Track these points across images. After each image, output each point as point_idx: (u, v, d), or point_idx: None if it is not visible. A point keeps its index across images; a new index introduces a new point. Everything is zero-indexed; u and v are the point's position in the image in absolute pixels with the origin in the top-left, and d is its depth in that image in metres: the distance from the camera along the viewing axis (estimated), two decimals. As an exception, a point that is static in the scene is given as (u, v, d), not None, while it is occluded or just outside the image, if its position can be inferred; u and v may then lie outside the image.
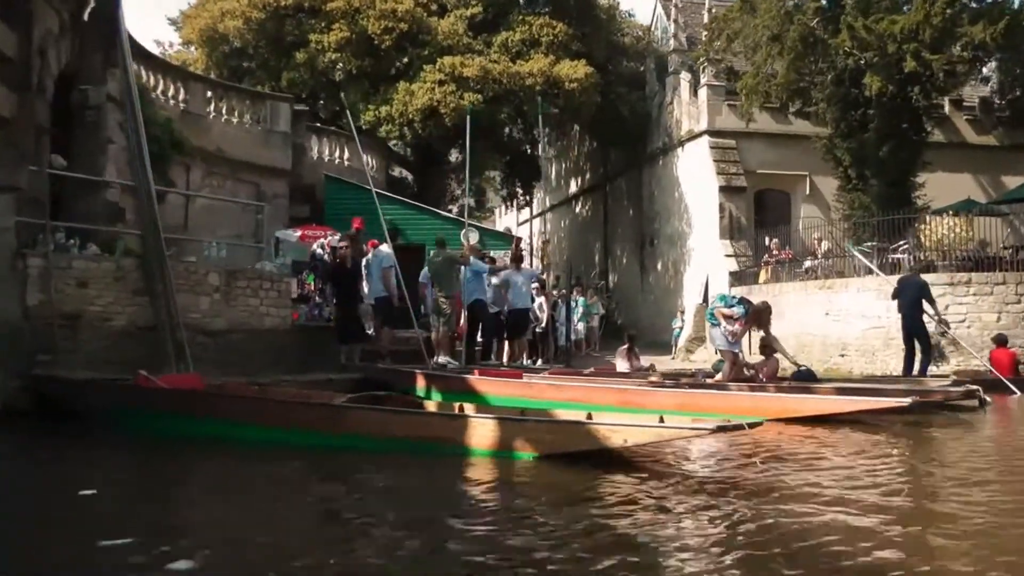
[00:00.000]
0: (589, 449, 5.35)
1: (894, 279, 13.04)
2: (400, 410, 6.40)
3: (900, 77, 16.88)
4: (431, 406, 7.30)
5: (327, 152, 20.00)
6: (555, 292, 17.56)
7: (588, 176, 31.90)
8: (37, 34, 8.61)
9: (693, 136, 23.22)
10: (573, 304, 17.59)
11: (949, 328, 13.02)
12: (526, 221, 36.31)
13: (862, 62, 17.25)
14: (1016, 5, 17.67)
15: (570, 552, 3.54)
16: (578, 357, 17.23)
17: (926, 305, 12.15)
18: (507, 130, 24.87)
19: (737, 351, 10.24)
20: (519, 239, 18.77)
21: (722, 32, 19.97)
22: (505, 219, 39.66)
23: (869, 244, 16.13)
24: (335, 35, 21.04)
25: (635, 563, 3.39)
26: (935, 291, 13.57)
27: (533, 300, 14.71)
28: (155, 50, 22.89)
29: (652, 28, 28.00)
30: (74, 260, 8.77)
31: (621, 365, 13.30)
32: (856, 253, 15.53)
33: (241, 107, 17.42)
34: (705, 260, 22.35)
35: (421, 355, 11.19)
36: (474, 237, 15.02)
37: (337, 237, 14.06)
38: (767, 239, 19.30)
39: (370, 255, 12.10)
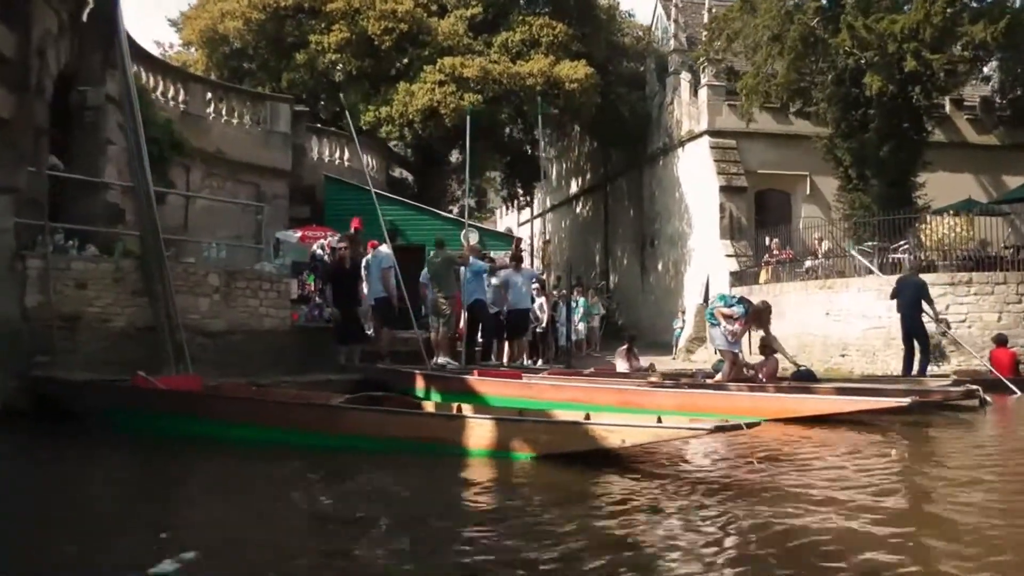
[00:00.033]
0: (587, 449, 5.34)
1: (893, 279, 13.02)
2: (397, 411, 6.39)
3: (901, 77, 16.87)
4: (429, 407, 7.29)
5: (327, 153, 20.00)
6: (555, 292, 17.55)
7: (588, 176, 31.90)
8: (36, 34, 8.61)
9: (693, 136, 23.22)
10: (573, 304, 17.59)
11: (950, 328, 13.01)
12: (527, 221, 36.32)
13: (862, 62, 17.24)
14: (1017, 4, 17.64)
15: (564, 552, 3.53)
16: (578, 357, 17.22)
17: (925, 305, 12.13)
18: (507, 131, 24.89)
19: (737, 351, 10.23)
20: (519, 239, 18.75)
21: (722, 32, 19.96)
22: (506, 219, 39.67)
23: (870, 244, 16.11)
24: (335, 36, 21.05)
25: (628, 564, 3.38)
26: (936, 291, 13.56)
27: (533, 300, 14.70)
28: (155, 51, 22.96)
29: (652, 28, 28.00)
30: (73, 261, 8.76)
31: (621, 365, 13.29)
32: (855, 253, 15.52)
33: (241, 108, 17.43)
34: (706, 260, 22.34)
35: (421, 356, 11.18)
36: (474, 238, 15.02)
37: (336, 238, 14.06)
38: (768, 239, 19.30)
39: (369, 256, 12.09)
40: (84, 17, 9.83)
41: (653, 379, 10.32)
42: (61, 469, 5.82)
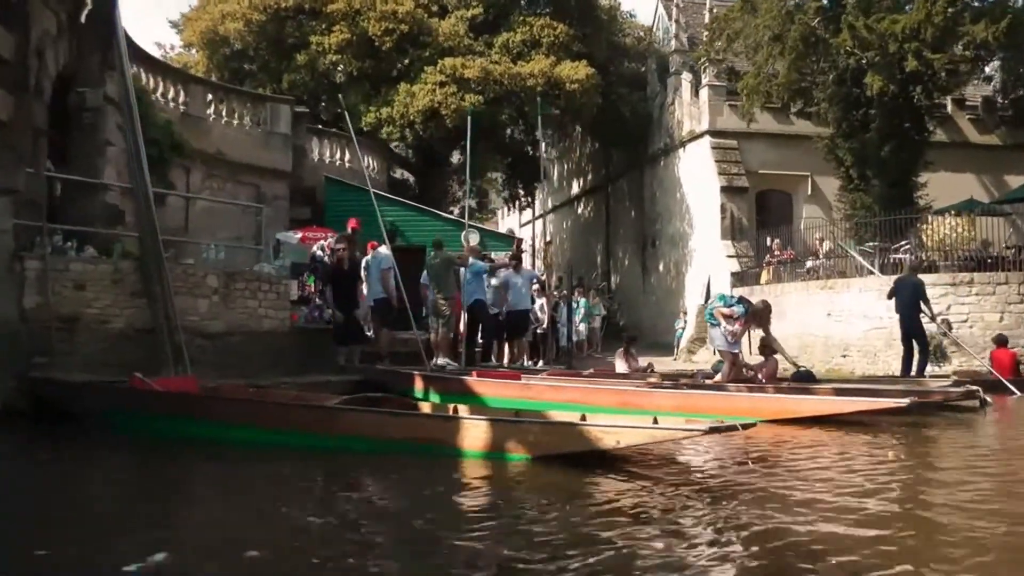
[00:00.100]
0: (582, 450, 5.33)
1: (892, 279, 12.99)
2: (394, 412, 6.38)
3: (902, 77, 16.86)
4: (426, 407, 7.28)
5: (328, 154, 20.00)
6: (555, 293, 17.54)
7: (590, 177, 31.90)
8: (34, 36, 8.62)
9: (694, 137, 23.22)
10: (574, 305, 17.57)
11: (951, 329, 12.99)
12: (528, 222, 36.31)
13: (863, 62, 17.23)
14: (1019, 4, 17.62)
15: (551, 554, 3.53)
16: (579, 358, 17.22)
17: (923, 305, 12.10)
18: (508, 131, 24.90)
19: (736, 351, 10.19)
20: (520, 240, 18.75)
21: (723, 32, 19.97)
22: (507, 220, 39.67)
23: (871, 244, 16.10)
24: (336, 37, 21.07)
25: (615, 565, 3.39)
26: (937, 291, 13.55)
27: (534, 301, 14.69)
28: (156, 53, 23.02)
29: (653, 28, 27.99)
30: (71, 262, 8.74)
31: (620, 366, 13.27)
32: (853, 252, 15.48)
33: (241, 109, 17.44)
34: (707, 261, 22.33)
35: (420, 357, 11.17)
36: (475, 238, 15.00)
37: (335, 239, 14.04)
38: (769, 239, 19.29)
39: (369, 257, 12.09)
40: (82, 18, 9.84)
41: (652, 380, 10.30)
42: (60, 469, 5.82)
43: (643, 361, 13.95)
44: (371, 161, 20.28)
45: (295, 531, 4.12)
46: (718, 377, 10.03)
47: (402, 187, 25.17)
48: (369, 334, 12.29)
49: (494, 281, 13.08)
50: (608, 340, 21.16)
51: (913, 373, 11.55)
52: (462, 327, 12.69)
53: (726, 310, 9.94)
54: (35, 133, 8.80)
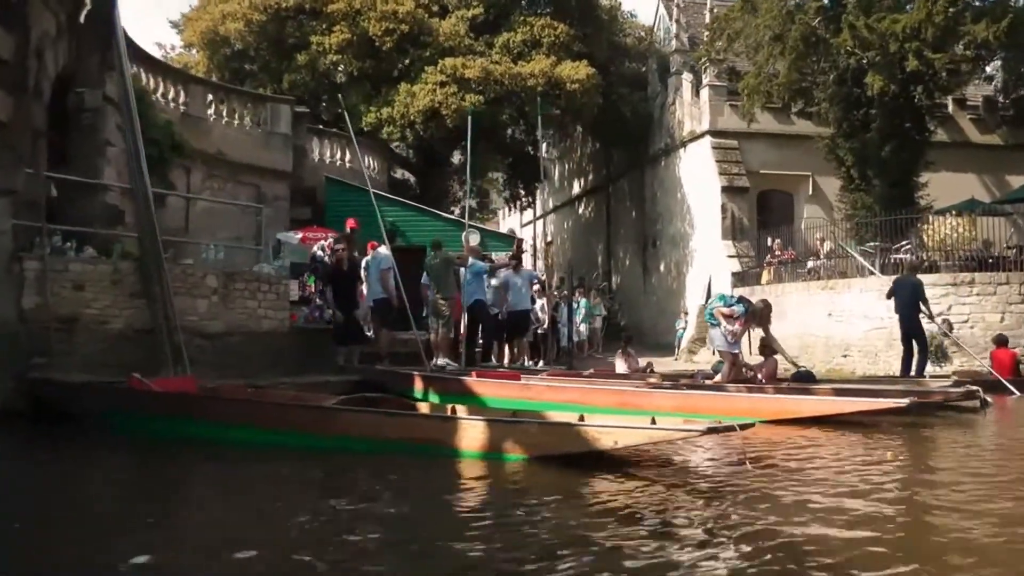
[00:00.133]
0: (580, 451, 5.32)
1: (892, 279, 12.98)
2: (391, 412, 6.37)
3: (902, 76, 16.84)
4: (423, 408, 7.28)
5: (328, 154, 20.00)
6: (556, 293, 17.54)
7: (591, 177, 31.89)
8: (34, 36, 8.62)
9: (695, 137, 23.21)
10: (575, 306, 17.56)
11: (952, 330, 12.97)
12: (529, 222, 36.33)
13: (864, 61, 17.21)
14: (1020, 3, 17.58)
15: (542, 555, 3.54)
16: (580, 359, 17.21)
17: (922, 305, 12.09)
18: (509, 131, 24.88)
19: (736, 352, 10.17)
20: (520, 240, 18.74)
21: (724, 32, 19.95)
22: (509, 220, 39.67)
23: (872, 244, 16.08)
24: (336, 37, 21.08)
25: (606, 566, 3.39)
26: (938, 291, 13.54)
27: (534, 302, 14.68)
28: (157, 53, 23.01)
29: (654, 28, 27.97)
30: (71, 263, 8.75)
31: (620, 366, 13.27)
32: (854, 252, 15.46)
33: (242, 109, 17.45)
34: (708, 261, 22.32)
35: (420, 357, 11.17)
36: (475, 239, 14.99)
37: (334, 239, 14.04)
38: (769, 240, 19.27)
39: (369, 257, 12.09)
40: (82, 19, 9.84)
41: (652, 380, 10.29)
42: (60, 469, 5.83)
43: (642, 361, 13.96)
44: (371, 161, 20.29)
45: (294, 531, 4.13)
46: (718, 378, 10.02)
47: (403, 187, 25.17)
48: (369, 334, 12.30)
49: (494, 281, 13.08)
50: (609, 340, 21.16)
51: (913, 373, 11.53)
52: (463, 328, 12.68)
53: (726, 310, 9.92)
54: (34, 134, 8.80)
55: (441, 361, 11.48)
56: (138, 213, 9.61)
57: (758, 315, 10.16)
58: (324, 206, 18.15)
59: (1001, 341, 12.43)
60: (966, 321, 13.79)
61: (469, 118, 14.61)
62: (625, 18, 29.70)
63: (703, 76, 22.69)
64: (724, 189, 21.73)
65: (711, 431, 5.09)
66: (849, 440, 7.02)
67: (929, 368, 12.17)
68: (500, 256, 15.27)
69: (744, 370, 10.32)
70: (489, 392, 8.93)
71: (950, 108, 22.36)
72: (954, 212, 16.76)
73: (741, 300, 10.31)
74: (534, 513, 4.38)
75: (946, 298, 13.80)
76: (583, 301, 20.15)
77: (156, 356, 8.78)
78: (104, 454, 6.58)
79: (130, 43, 11.95)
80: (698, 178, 23.00)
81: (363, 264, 12.12)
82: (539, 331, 15.46)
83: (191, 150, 14.86)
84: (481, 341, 12.89)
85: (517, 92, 21.59)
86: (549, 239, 30.06)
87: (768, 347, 10.44)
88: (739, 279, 19.80)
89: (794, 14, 17.89)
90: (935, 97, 18.63)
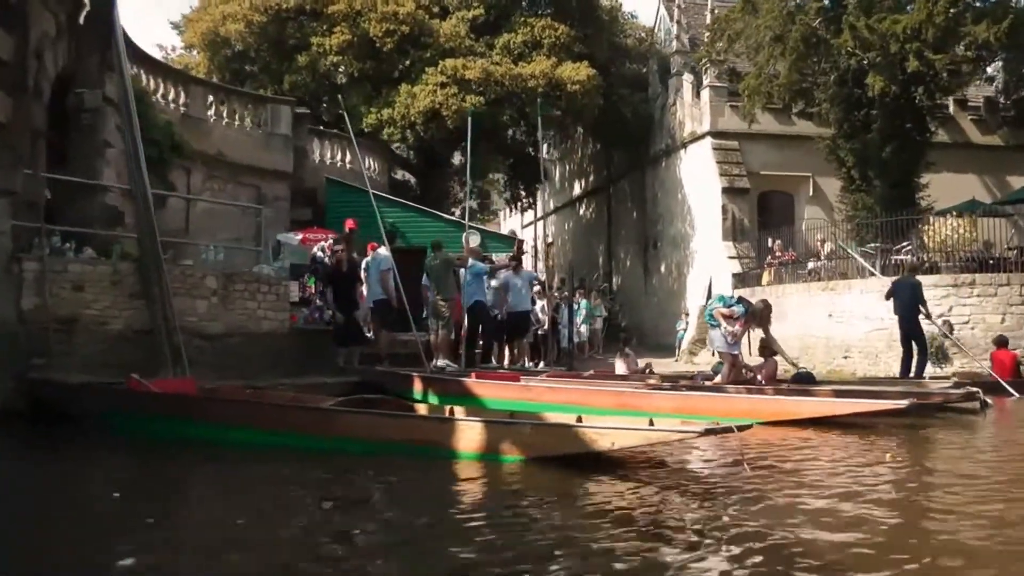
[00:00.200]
0: (577, 452, 5.31)
1: (892, 280, 12.97)
2: (389, 413, 6.37)
3: (903, 77, 16.81)
4: (421, 409, 7.27)
5: (329, 155, 20.01)
6: (556, 294, 17.54)
7: (592, 178, 31.89)
8: (33, 37, 8.64)
9: (696, 138, 23.19)
10: (576, 307, 17.55)
11: (952, 330, 12.95)
12: (530, 223, 36.34)
13: (865, 62, 17.19)
14: (1021, 4, 17.55)
15: (534, 556, 3.56)
16: (581, 360, 17.20)
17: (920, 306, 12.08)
18: (510, 132, 24.86)
19: (736, 353, 10.15)
20: (521, 241, 18.73)
21: (724, 33, 19.94)
22: (510, 221, 39.68)
23: (872, 245, 16.05)
24: (337, 38, 21.08)
25: (598, 567, 3.40)
26: (939, 292, 13.52)
27: (534, 303, 14.67)
28: (157, 54, 23.05)
29: (655, 29, 27.96)
30: (70, 264, 8.76)
31: (620, 367, 13.26)
32: (855, 254, 15.44)
33: (242, 110, 17.46)
34: (708, 262, 22.30)
35: (420, 358, 11.16)
36: (476, 240, 14.98)
37: (333, 240, 14.04)
38: (770, 241, 19.25)
39: (368, 258, 12.08)
40: (81, 20, 9.85)
41: (651, 382, 10.27)
42: (60, 469, 5.85)
43: (641, 362, 13.95)
44: (372, 162, 20.30)
45: (293, 532, 4.14)
46: (718, 379, 10.00)
47: (403, 188, 25.17)
48: (369, 335, 12.29)
49: (494, 283, 13.07)
50: (610, 341, 21.16)
51: (912, 375, 11.51)
52: (463, 329, 12.67)
53: (725, 310, 9.90)
54: (34, 134, 8.82)
55: (441, 362, 11.47)
56: (138, 214, 9.61)
57: (758, 315, 10.14)
58: (325, 207, 18.14)
59: (1002, 342, 12.41)
60: (967, 322, 13.77)
61: (469, 119, 14.60)
62: (626, 19, 29.68)
63: (704, 77, 22.67)
64: (725, 190, 21.71)
65: (708, 432, 5.08)
66: (847, 442, 7.01)
67: (929, 369, 12.15)
68: (500, 257, 15.25)
69: (744, 371, 10.30)
70: (488, 393, 8.92)
71: (951, 109, 22.32)
72: (955, 213, 16.72)
73: (740, 300, 10.30)
74: (530, 514, 4.39)
75: (947, 299, 13.78)
76: (584, 302, 20.15)
77: (155, 357, 8.79)
78: (104, 455, 6.60)
79: (130, 44, 11.97)
80: (699, 179, 22.99)
81: (363, 265, 12.12)
82: (539, 332, 15.45)
83: (191, 151, 14.87)
84: (481, 342, 12.87)
85: (518, 93, 21.58)
86: (550, 240, 30.06)
87: (768, 348, 10.42)
88: (740, 280, 19.78)
89: (795, 15, 17.87)
90: (936, 98, 18.58)
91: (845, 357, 15.05)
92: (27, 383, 7.74)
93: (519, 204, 30.66)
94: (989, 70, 21.62)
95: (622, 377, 11.95)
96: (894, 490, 5.07)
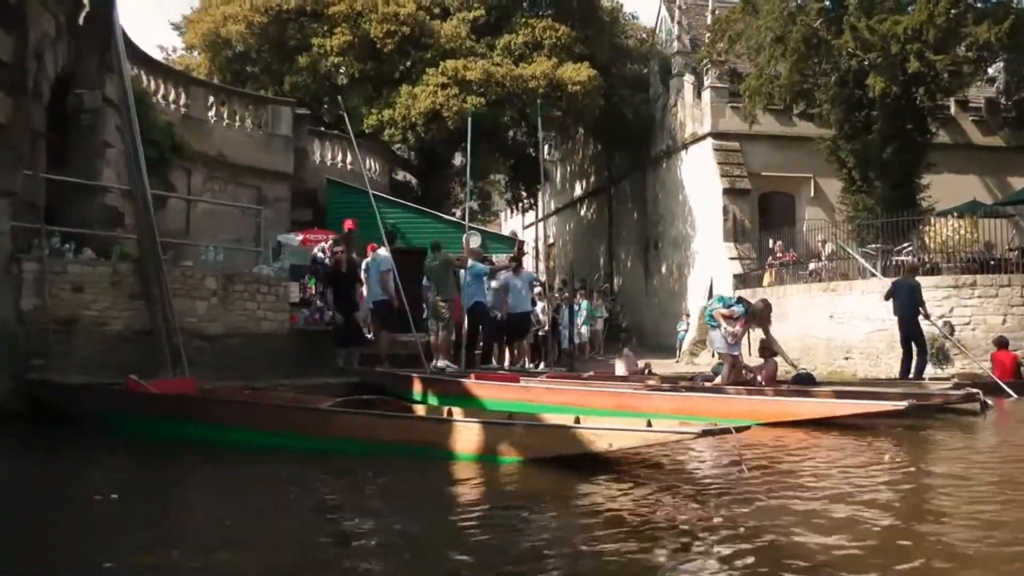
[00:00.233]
0: (575, 453, 5.31)
1: (891, 281, 12.95)
2: (387, 414, 6.37)
3: (904, 78, 16.79)
4: (419, 410, 7.27)
5: (329, 156, 20.01)
6: (556, 295, 17.53)
7: (593, 179, 31.88)
8: (33, 38, 8.65)
9: (697, 139, 23.18)
10: (576, 307, 17.54)
11: (953, 331, 12.93)
12: (531, 224, 36.32)
13: (866, 63, 17.18)
14: (1022, 5, 17.53)
15: (528, 557, 3.55)
16: (581, 360, 17.19)
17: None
18: (510, 133, 24.84)
19: (736, 354, 10.14)
20: (521, 242, 18.72)
21: (725, 34, 19.93)
22: (511, 222, 39.65)
23: (873, 246, 16.03)
24: (337, 39, 21.08)
25: (592, 569, 3.40)
26: (940, 293, 13.50)
27: (535, 304, 14.65)
28: (158, 55, 23.05)
29: (656, 30, 27.94)
30: (69, 264, 8.77)
31: (620, 368, 13.25)
32: (855, 254, 15.42)
33: (243, 111, 17.45)
34: (709, 263, 22.29)
35: (420, 359, 11.15)
36: (476, 240, 14.96)
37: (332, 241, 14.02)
38: (771, 241, 19.23)
39: (368, 259, 12.08)
40: (81, 20, 9.86)
41: (651, 382, 10.26)
42: (59, 470, 5.87)
43: (641, 363, 13.92)
44: (373, 163, 20.30)
45: (292, 532, 4.14)
46: (718, 380, 9.99)
47: (404, 189, 25.15)
48: (369, 336, 12.28)
49: (494, 283, 13.06)
50: (610, 342, 21.16)
51: (912, 376, 11.50)
52: (463, 330, 12.65)
53: (725, 311, 9.89)
54: (33, 135, 8.83)
55: (441, 363, 11.46)
56: (137, 215, 9.62)
57: (758, 315, 10.13)
58: (325, 208, 18.12)
59: (1002, 343, 12.40)
60: (967, 323, 13.75)
61: (470, 120, 14.59)
62: (627, 20, 29.63)
63: (705, 78, 22.66)
64: (726, 191, 21.70)
65: (706, 434, 5.07)
66: (845, 443, 7.01)
67: (930, 370, 12.14)
68: (500, 258, 15.24)
69: (744, 372, 10.29)
70: (488, 394, 8.92)
71: (952, 110, 22.29)
72: (956, 214, 16.70)
73: (740, 301, 10.29)
74: (527, 515, 4.39)
75: (948, 300, 13.77)
76: (584, 303, 20.14)
77: (155, 358, 8.80)
78: (103, 455, 6.61)
79: (130, 44, 11.98)
80: (700, 180, 22.97)
81: (363, 266, 12.11)
82: (540, 333, 15.44)
83: (192, 152, 14.87)
84: (481, 343, 12.86)
85: (518, 94, 21.56)
86: (551, 241, 30.04)
87: (768, 349, 10.41)
88: (741, 281, 19.77)
89: (795, 15, 17.85)
90: (937, 99, 18.55)
91: (846, 358, 15.04)
92: (26, 384, 7.75)
93: (520, 205, 30.64)
94: (990, 71, 21.58)
95: (621, 378, 11.93)
96: (890, 491, 5.07)
